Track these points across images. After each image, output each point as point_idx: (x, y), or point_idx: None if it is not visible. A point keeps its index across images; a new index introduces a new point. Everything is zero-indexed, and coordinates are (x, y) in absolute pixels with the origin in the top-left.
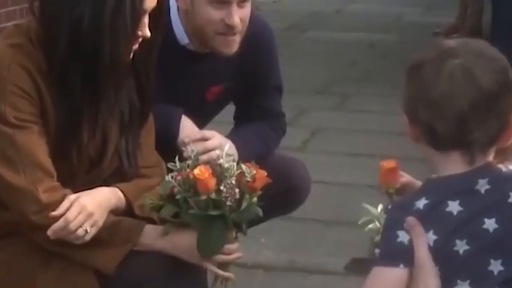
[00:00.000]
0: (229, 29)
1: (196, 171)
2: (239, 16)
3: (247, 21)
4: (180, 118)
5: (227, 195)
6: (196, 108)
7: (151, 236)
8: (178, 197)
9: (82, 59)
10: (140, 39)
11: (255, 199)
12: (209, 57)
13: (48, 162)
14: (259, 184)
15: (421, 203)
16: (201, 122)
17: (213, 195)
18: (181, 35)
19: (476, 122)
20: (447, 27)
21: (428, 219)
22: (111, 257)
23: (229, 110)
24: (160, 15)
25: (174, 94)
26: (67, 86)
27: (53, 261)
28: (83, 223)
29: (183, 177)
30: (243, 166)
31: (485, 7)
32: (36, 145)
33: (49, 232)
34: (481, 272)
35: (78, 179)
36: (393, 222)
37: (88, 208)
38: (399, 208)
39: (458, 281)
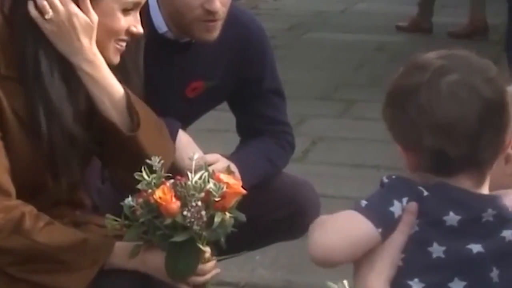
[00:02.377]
0: (210, 15)
1: (158, 193)
2: (220, 0)
3: (228, 5)
4: (176, 133)
5: (192, 219)
6: (176, 105)
7: (121, 255)
8: (142, 220)
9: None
10: (127, 38)
11: (228, 214)
12: (190, 49)
13: (4, 179)
14: (229, 201)
15: (425, 191)
16: (182, 122)
17: (178, 218)
18: (159, 23)
19: (488, 137)
20: (411, 20)
21: (424, 208)
22: (78, 280)
23: (222, 117)
24: (142, 9)
25: (151, 88)
26: (43, 79)
27: (17, 284)
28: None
29: (144, 200)
30: (211, 182)
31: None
32: None
33: None
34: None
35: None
36: (394, 189)
37: None
38: (405, 182)
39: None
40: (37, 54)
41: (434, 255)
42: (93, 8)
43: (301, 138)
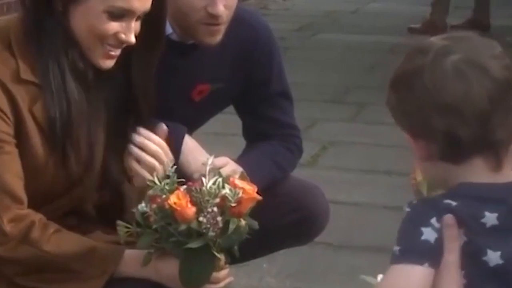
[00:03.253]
0: (213, 18)
1: (172, 198)
2: (224, 4)
3: (233, 9)
4: (182, 138)
5: (208, 225)
6: (181, 108)
7: (133, 264)
8: (155, 226)
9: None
10: (124, 45)
11: (242, 221)
12: (196, 51)
13: (17, 186)
14: (245, 207)
15: (452, 202)
16: (188, 126)
17: (193, 225)
18: None
19: (499, 117)
20: (424, 22)
21: (460, 219)
22: None
23: (229, 121)
24: (159, 22)
25: (156, 91)
26: (67, 91)
27: None
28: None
29: (158, 205)
30: (227, 187)
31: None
32: (5, 167)
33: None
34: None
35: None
36: (417, 217)
37: None
38: (426, 204)
39: None
40: (61, 65)
41: (492, 264)
42: (80, 6)
43: (311, 142)
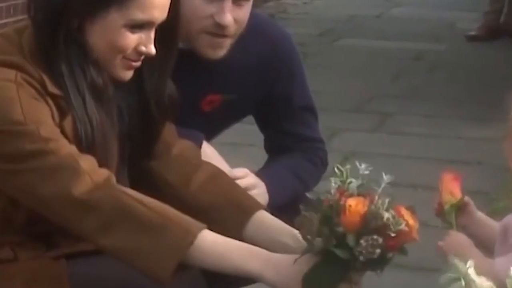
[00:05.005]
0: (219, 29)
1: (352, 201)
2: (234, 16)
3: (243, 24)
4: (200, 145)
5: (363, 251)
6: (191, 118)
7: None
8: (321, 214)
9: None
10: (142, 56)
11: (390, 254)
12: (205, 60)
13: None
14: (401, 242)
15: None
16: None
17: (350, 239)
18: None
19: None
20: (480, 28)
21: None
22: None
23: (246, 131)
24: (173, 28)
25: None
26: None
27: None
28: None
29: (334, 199)
30: (391, 214)
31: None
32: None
33: None
34: None
35: None
36: None
37: None
38: None
39: None
40: (80, 87)
41: None
42: (98, 21)
43: (332, 153)
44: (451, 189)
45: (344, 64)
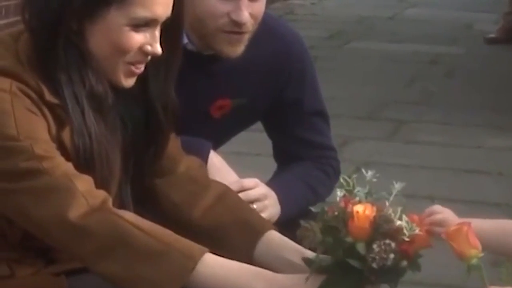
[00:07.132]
0: (236, 26)
1: (358, 207)
2: (250, 11)
3: (259, 18)
4: (207, 154)
5: (376, 257)
6: (199, 125)
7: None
8: (328, 224)
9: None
10: (149, 58)
11: (405, 262)
12: (215, 63)
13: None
14: (415, 248)
15: None
16: None
17: (360, 247)
18: None
19: None
20: (499, 30)
21: None
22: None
23: (252, 139)
24: (177, 28)
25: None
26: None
27: None
28: None
29: (339, 208)
30: (404, 219)
31: None
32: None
33: None
34: None
35: None
36: None
37: None
38: None
39: None
40: (79, 97)
41: None
42: (99, 22)
43: (344, 163)
44: (472, 244)
45: (356, 68)
